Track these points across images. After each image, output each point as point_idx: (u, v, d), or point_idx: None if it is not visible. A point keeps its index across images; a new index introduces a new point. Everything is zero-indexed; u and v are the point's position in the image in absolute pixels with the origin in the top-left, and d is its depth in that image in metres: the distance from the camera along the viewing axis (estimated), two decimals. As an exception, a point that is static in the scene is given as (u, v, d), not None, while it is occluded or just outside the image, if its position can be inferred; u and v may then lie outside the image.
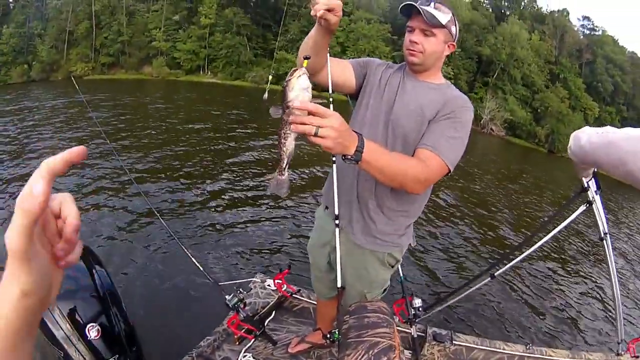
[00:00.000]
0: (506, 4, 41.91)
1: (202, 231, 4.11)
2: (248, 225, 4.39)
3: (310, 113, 0.73)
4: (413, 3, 1.06)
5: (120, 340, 1.39)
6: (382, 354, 0.97)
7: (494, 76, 34.01)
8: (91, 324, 1.33)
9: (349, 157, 0.84)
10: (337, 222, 1.27)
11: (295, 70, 0.75)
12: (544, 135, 33.91)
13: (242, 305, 1.67)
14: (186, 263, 2.25)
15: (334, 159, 1.24)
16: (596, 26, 46.81)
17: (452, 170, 1.08)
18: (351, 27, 30.24)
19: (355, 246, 1.32)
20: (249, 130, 10.79)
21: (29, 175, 0.30)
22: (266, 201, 5.20)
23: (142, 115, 11.92)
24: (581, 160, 0.99)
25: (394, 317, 1.73)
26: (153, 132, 9.27)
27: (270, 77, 2.46)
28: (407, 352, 1.90)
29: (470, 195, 8.36)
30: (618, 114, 41.45)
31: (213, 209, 4.77)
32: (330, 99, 1.20)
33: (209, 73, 32.86)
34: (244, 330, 1.68)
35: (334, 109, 0.92)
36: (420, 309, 1.88)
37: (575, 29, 44.12)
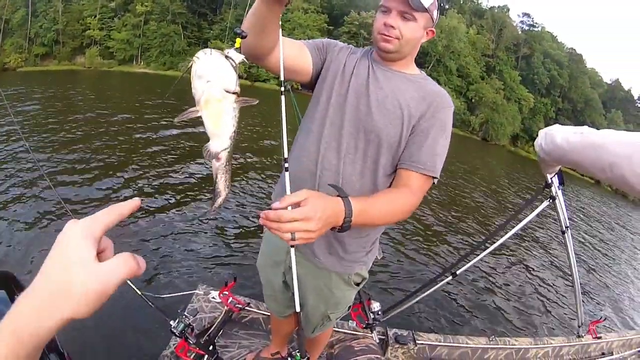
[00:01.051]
0: (445, -4, 43.47)
1: (128, 237, 3.65)
2: (182, 231, 3.95)
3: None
4: None
5: None
6: None
7: (429, 67, 34.94)
8: None
9: (338, 229, 0.77)
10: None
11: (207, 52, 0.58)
12: (478, 124, 35.65)
13: (189, 331, 1.49)
14: None
15: (286, 165, 1.00)
16: (536, 23, 49.32)
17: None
18: (287, 16, 30.15)
19: (317, 268, 1.15)
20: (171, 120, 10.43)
21: None
22: (202, 204, 4.78)
23: (69, 109, 11.12)
24: (555, 158, 0.94)
25: (354, 323, 1.67)
26: (75, 126, 8.30)
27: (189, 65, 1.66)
28: None
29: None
30: (553, 105, 44.14)
31: (141, 211, 4.27)
32: (283, 89, 0.93)
33: (142, 63, 31.89)
34: (193, 355, 1.52)
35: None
36: (380, 312, 1.78)
37: (515, 24, 46.42)
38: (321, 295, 1.21)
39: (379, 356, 1.08)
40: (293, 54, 0.98)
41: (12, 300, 1.14)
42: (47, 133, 7.50)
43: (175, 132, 8.45)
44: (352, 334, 1.72)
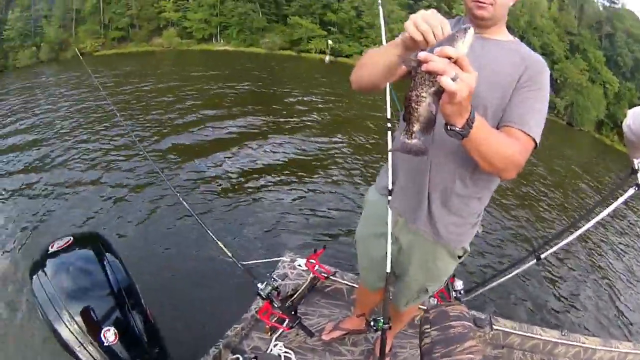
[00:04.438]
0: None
1: (222, 208, 3.79)
2: (275, 201, 4.09)
3: (457, 63, 0.63)
4: None
5: (140, 342, 1.24)
6: None
7: None
8: (107, 327, 1.18)
9: (458, 128, 0.73)
10: (391, 205, 1.21)
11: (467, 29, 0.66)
12: (563, 106, 33.11)
13: (275, 294, 1.54)
14: (205, 243, 2.15)
15: (389, 125, 1.19)
16: (616, 0, 45.42)
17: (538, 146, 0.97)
18: (368, -12, 29.64)
19: (423, 239, 1.19)
20: (273, 100, 10.30)
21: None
22: (294, 176, 4.84)
23: (154, 89, 11.53)
24: None
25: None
26: (165, 104, 8.91)
27: (330, 43, 2.17)
28: None
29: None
30: (638, 90, 40.42)
31: (234, 184, 4.45)
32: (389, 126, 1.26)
33: (222, 41, 32.40)
34: (275, 319, 1.57)
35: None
36: (462, 291, 1.80)
37: (595, 1, 42.97)
38: (423, 267, 1.25)
39: (471, 324, 1.02)
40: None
41: (100, 258, 1.31)
42: (142, 112, 7.89)
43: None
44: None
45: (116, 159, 5.04)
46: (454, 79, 0.61)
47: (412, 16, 0.70)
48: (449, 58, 0.61)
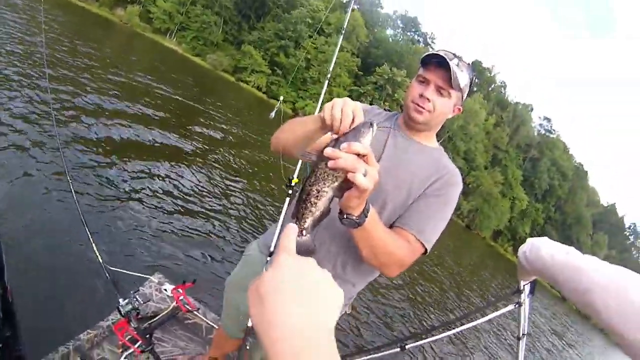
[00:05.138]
0: (477, 80, 44.85)
1: (110, 205, 3.59)
2: (166, 215, 3.94)
3: (360, 156, 0.62)
4: (444, 56, 0.92)
5: None
6: None
7: (439, 141, 35.61)
8: None
9: (355, 217, 0.72)
10: (268, 266, 1.19)
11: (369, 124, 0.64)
12: (467, 210, 35.93)
13: (134, 314, 1.50)
14: (80, 237, 1.98)
15: (290, 192, 1.10)
16: (553, 129, 50.71)
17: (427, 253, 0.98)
18: (324, 47, 30.94)
19: None
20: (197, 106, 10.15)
21: None
22: (187, 203, 4.65)
23: (92, 55, 11.00)
24: (535, 269, 0.96)
25: None
26: (98, 73, 8.17)
27: (282, 98, 1.91)
28: None
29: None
30: (545, 212, 44.91)
31: (133, 186, 4.15)
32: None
33: (175, 40, 32.08)
34: (129, 337, 1.52)
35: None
36: None
37: (533, 125, 47.78)
38: None
39: None
40: None
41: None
42: (71, 71, 7.21)
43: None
44: None
45: (15, 105, 4.40)
46: (364, 175, 0.61)
47: (334, 99, 0.73)
48: (357, 154, 0.61)
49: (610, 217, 53.92)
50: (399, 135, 1.04)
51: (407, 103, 1.00)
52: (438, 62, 0.94)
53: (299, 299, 0.33)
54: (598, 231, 49.80)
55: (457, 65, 0.94)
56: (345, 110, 0.69)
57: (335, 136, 0.68)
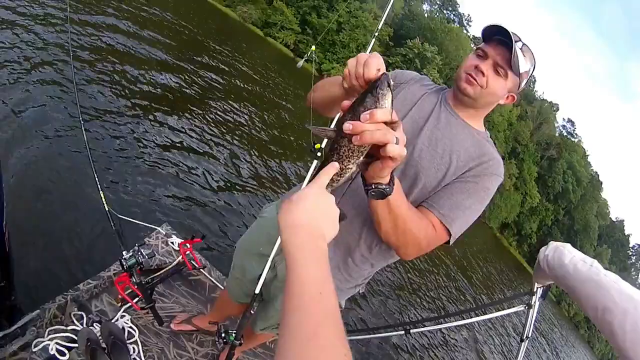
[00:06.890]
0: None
1: (123, 153, 3.39)
2: (181, 168, 3.77)
3: (388, 124, 0.55)
4: (508, 30, 0.85)
5: None
6: None
7: None
8: None
9: (383, 186, 0.65)
10: None
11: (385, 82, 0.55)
12: (479, 196, 35.87)
13: (137, 269, 1.44)
14: (90, 179, 1.82)
15: (319, 154, 1.01)
16: (576, 133, 49.87)
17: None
18: (357, 12, 30.11)
19: None
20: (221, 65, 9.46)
21: None
22: (216, 159, 4.48)
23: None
24: (555, 275, 0.93)
25: None
26: (121, 21, 7.57)
27: (313, 47, 1.67)
28: None
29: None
30: (554, 213, 44.63)
31: (148, 138, 3.94)
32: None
33: (205, -12, 31.31)
34: (129, 292, 1.46)
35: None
36: None
37: (556, 125, 46.93)
38: None
39: None
40: None
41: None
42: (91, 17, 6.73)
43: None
44: None
45: (37, 55, 4.06)
46: (397, 144, 0.55)
47: (360, 54, 0.65)
48: (385, 123, 0.54)
49: (616, 233, 53.43)
50: (444, 110, 0.96)
51: (459, 73, 0.93)
52: (500, 40, 0.87)
53: (315, 211, 0.51)
54: (602, 244, 49.44)
55: (521, 48, 0.87)
56: (360, 60, 0.62)
57: (347, 102, 0.58)
